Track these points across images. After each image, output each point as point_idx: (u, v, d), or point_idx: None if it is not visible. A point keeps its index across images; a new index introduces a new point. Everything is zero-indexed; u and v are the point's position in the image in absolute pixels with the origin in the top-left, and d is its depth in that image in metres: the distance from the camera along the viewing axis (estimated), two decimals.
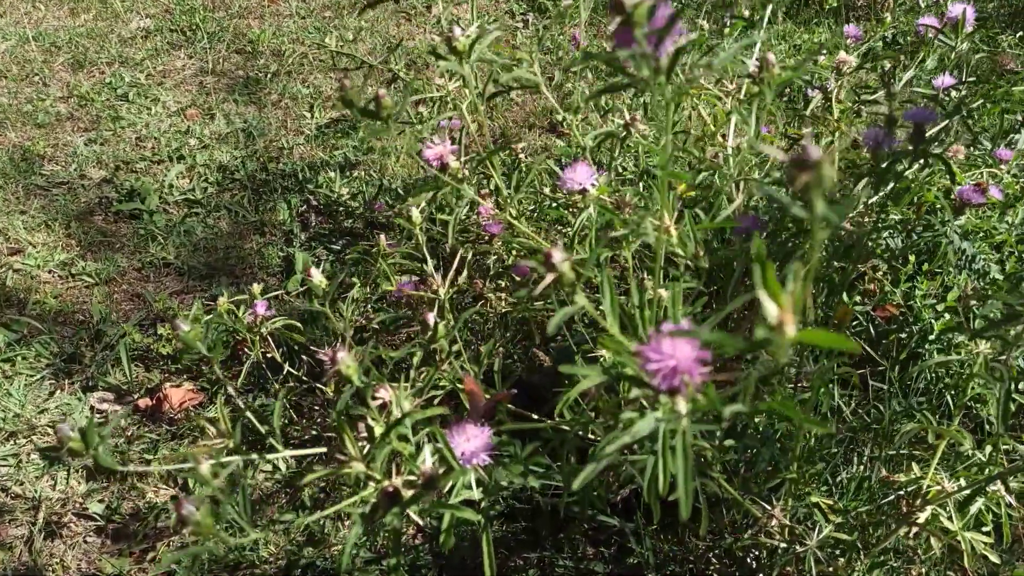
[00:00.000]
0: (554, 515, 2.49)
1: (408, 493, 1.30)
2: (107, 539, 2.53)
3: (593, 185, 1.96)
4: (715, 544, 2.29)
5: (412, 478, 1.28)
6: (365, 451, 1.49)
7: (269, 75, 4.64)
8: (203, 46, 4.85)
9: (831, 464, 2.27)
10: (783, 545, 2.05)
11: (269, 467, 2.70)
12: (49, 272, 3.37)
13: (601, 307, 1.27)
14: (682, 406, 0.95)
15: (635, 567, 2.32)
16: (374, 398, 1.57)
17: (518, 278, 2.67)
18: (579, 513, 2.43)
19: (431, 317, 1.65)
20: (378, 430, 1.48)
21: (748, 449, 2.27)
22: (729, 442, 2.12)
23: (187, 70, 4.69)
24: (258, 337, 2.49)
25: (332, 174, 3.81)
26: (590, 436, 2.14)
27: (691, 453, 1.08)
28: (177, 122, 4.26)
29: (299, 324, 2.43)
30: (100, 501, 2.60)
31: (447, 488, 1.54)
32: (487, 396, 1.52)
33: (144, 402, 2.87)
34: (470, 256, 3.05)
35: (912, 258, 2.68)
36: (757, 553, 2.22)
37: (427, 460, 1.31)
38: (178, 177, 3.87)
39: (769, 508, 2.08)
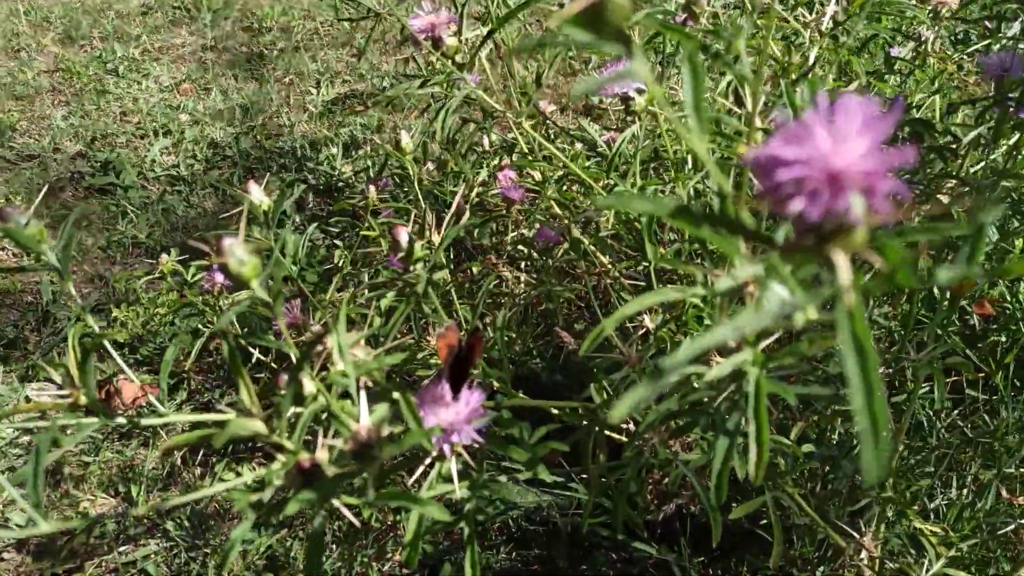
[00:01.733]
0: (575, 539, 1.98)
1: (333, 471, 0.82)
2: (27, 556, 2.05)
3: (640, 91, 1.48)
4: None
5: (339, 444, 0.79)
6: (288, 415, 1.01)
7: (276, 51, 4.23)
8: (206, 22, 4.45)
9: (929, 484, 1.74)
10: None
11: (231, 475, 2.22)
12: (2, 249, 2.94)
13: None
14: (842, 261, 0.46)
15: None
16: (312, 343, 1.09)
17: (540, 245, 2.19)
18: (607, 537, 1.92)
19: (403, 232, 1.17)
20: (309, 386, 1.00)
21: (826, 461, 1.76)
22: (807, 447, 1.61)
23: (187, 47, 4.28)
24: (217, 311, 2.03)
25: (335, 151, 3.36)
26: (629, 426, 1.64)
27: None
28: (168, 97, 3.85)
29: (268, 299, 1.96)
30: (23, 511, 2.13)
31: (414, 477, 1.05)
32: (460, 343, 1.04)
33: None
34: (486, 237, 2.57)
35: (1020, 243, 2.17)
36: None
37: (362, 415, 0.83)
38: (162, 153, 3.44)
39: (857, 536, 1.56)
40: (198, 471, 2.21)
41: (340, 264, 2.21)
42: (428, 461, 1.05)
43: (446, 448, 1.01)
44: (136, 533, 2.06)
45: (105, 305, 2.70)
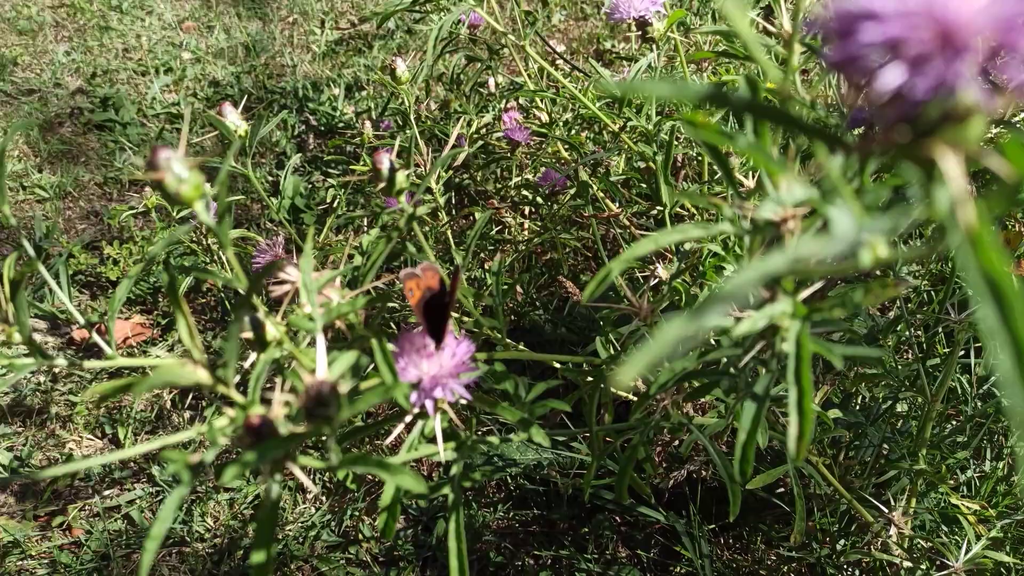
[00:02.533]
0: (576, 500, 1.87)
1: (292, 429, 0.71)
2: (10, 497, 1.97)
3: (660, 13, 1.34)
4: (796, 557, 1.66)
5: (295, 398, 0.68)
6: (249, 363, 0.89)
7: None
8: None
9: (964, 456, 1.62)
10: (907, 564, 1.42)
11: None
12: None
13: None
14: (953, 164, 0.33)
15: None
16: (276, 280, 0.98)
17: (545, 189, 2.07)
18: (611, 500, 1.81)
19: (384, 158, 1.04)
20: (272, 330, 0.88)
21: (851, 428, 1.64)
22: (833, 412, 1.50)
23: None
24: (208, 251, 1.92)
25: (337, 92, 3.22)
26: (637, 384, 1.52)
27: None
28: (171, 35, 3.71)
29: (257, 237, 1.85)
30: (8, 449, 2.05)
31: (391, 438, 0.94)
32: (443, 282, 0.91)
33: (81, 334, 2.31)
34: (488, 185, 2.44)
35: None
36: (857, 572, 1.59)
37: (319, 366, 0.71)
38: (163, 90, 3.31)
39: (885, 511, 1.45)
40: (187, 415, 2.11)
41: (335, 204, 2.10)
42: (409, 419, 0.94)
43: (428, 406, 0.90)
44: (121, 477, 1.98)
45: (99, 242, 2.59)
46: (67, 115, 3.20)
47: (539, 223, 2.24)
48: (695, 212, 1.52)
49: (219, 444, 0.74)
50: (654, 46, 1.39)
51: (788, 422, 0.66)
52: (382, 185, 1.05)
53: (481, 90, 2.61)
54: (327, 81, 3.33)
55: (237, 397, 0.75)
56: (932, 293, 1.94)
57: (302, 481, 0.74)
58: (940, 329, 1.71)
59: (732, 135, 0.60)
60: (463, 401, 0.94)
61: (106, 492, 1.96)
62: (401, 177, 1.05)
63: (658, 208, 1.44)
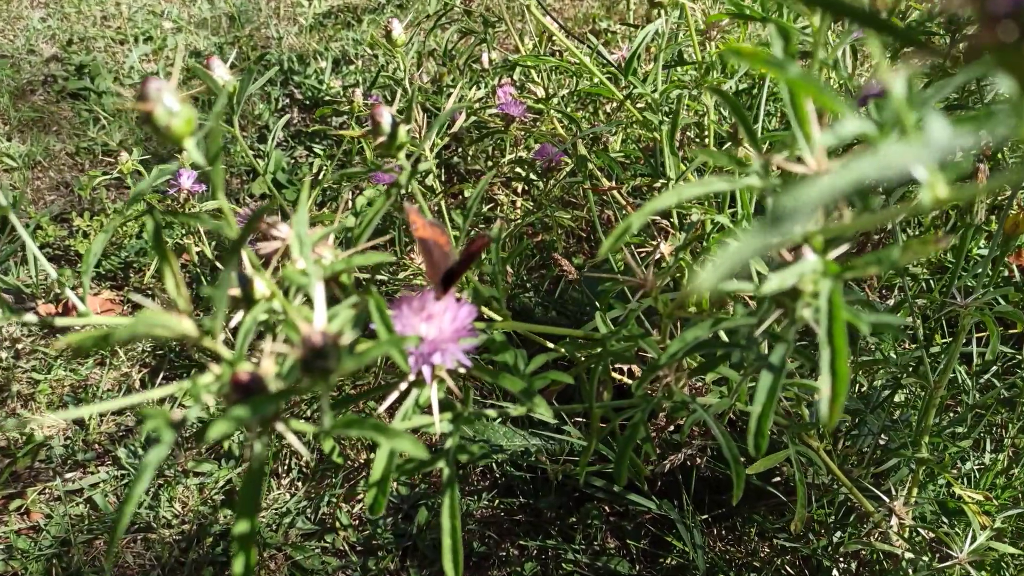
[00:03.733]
0: (564, 488, 1.81)
1: (280, 385, 0.64)
2: None
3: None
4: (791, 548, 1.60)
5: (286, 349, 0.60)
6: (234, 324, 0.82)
7: None
8: None
9: (966, 446, 1.57)
10: (908, 555, 1.36)
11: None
12: None
13: None
14: None
15: (674, 571, 1.64)
16: (265, 237, 0.91)
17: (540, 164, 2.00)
18: (600, 488, 1.75)
19: (385, 112, 0.97)
20: (262, 287, 0.81)
21: (850, 415, 1.58)
22: None
23: None
24: (187, 224, 1.84)
25: (324, 65, 3.14)
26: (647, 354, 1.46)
27: None
28: (152, 3, 3.60)
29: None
30: None
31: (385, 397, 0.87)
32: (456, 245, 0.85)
33: (47, 309, 2.21)
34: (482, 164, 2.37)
35: None
36: (854, 565, 1.54)
37: (318, 317, 0.64)
38: (141, 60, 3.22)
39: (887, 500, 1.39)
40: (157, 394, 2.03)
41: (321, 176, 2.02)
42: (404, 387, 0.87)
43: (426, 372, 0.83)
44: (85, 459, 1.89)
45: (68, 213, 2.50)
46: (40, 82, 3.09)
47: (532, 202, 2.17)
48: None
49: (202, 401, 0.67)
50: (662, 11, 1.32)
51: (820, 385, 0.59)
52: (382, 140, 0.98)
53: (475, 65, 2.53)
54: (314, 54, 3.24)
55: (224, 352, 0.68)
56: (931, 282, 1.90)
57: (294, 445, 0.67)
58: (942, 318, 1.66)
59: (781, 62, 0.54)
60: (461, 370, 0.87)
61: (68, 475, 1.87)
62: (402, 132, 0.98)
63: (661, 182, 1.38)
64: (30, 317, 0.86)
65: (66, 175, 2.67)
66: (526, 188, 2.23)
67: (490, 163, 2.28)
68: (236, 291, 0.82)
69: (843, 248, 0.74)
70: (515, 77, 2.34)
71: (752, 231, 0.31)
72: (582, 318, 2.06)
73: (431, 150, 1.29)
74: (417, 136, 1.35)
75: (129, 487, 0.62)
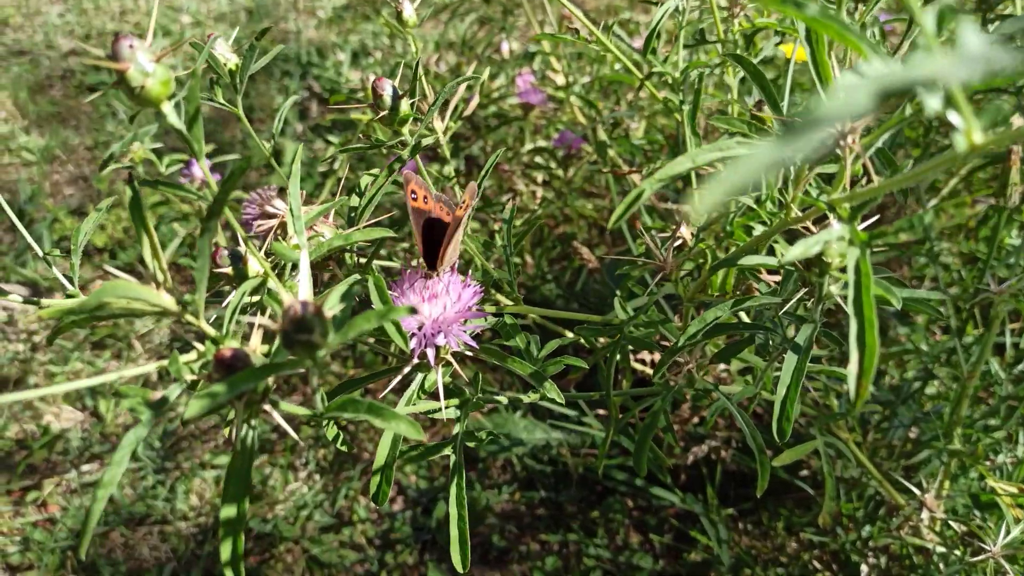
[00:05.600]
0: (586, 482, 1.76)
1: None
2: None
3: None
4: (819, 543, 1.55)
5: (271, 323, 0.56)
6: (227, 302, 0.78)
7: None
8: None
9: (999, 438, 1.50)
10: (939, 548, 1.30)
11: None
12: None
13: None
14: None
15: (698, 566, 1.59)
16: (262, 215, 0.87)
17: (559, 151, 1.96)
18: (623, 482, 1.70)
19: (387, 84, 0.93)
20: (255, 265, 0.77)
21: (881, 407, 1.53)
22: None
23: None
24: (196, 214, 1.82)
25: (343, 58, 3.11)
26: (654, 356, 1.41)
27: None
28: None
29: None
30: None
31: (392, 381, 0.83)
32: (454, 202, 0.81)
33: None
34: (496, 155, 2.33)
35: None
36: (884, 559, 1.48)
37: (302, 287, 0.60)
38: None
39: (918, 492, 1.34)
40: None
41: (336, 166, 1.99)
42: (407, 370, 0.83)
43: (429, 354, 0.79)
44: (101, 451, 1.87)
45: (86, 207, 2.48)
46: (58, 77, 3.09)
47: (552, 192, 2.13)
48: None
49: (184, 380, 0.63)
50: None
51: (849, 358, 0.55)
52: (383, 114, 0.94)
53: (495, 56, 2.50)
54: (332, 47, 3.22)
55: (208, 329, 0.64)
56: (963, 273, 1.83)
57: (283, 428, 0.64)
58: (975, 307, 1.60)
59: (800, 2, 0.49)
60: (468, 354, 0.83)
61: (84, 467, 1.85)
62: (404, 105, 0.94)
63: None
64: (15, 297, 0.82)
65: (84, 169, 2.65)
66: (547, 179, 2.18)
67: (510, 153, 2.23)
68: (228, 269, 0.78)
69: (870, 221, 0.69)
70: (535, 68, 2.30)
71: (764, 144, 0.26)
72: (604, 309, 2.01)
73: (445, 133, 1.25)
74: (426, 116, 1.31)
75: (106, 470, 0.59)
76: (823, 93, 0.63)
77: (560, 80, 2.12)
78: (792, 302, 0.79)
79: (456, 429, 0.85)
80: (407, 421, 0.61)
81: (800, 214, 0.72)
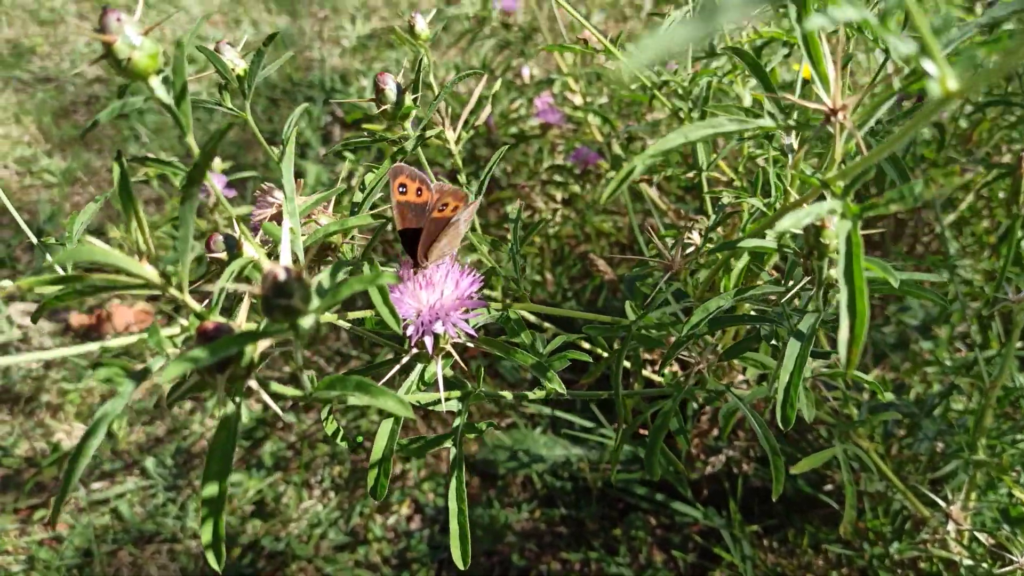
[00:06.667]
0: (607, 498, 1.73)
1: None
2: None
3: None
4: (846, 559, 1.50)
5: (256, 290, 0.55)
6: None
7: None
8: None
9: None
10: (967, 561, 1.26)
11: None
12: (5, 167, 2.75)
13: None
14: None
15: None
16: (261, 204, 0.86)
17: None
18: (644, 497, 1.66)
19: (389, 79, 0.92)
20: (250, 250, 0.76)
21: (906, 418, 1.49)
22: (888, 396, 1.35)
23: None
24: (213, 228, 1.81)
25: (366, 84, 3.13)
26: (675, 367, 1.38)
27: None
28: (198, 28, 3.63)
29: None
30: None
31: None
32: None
33: (79, 320, 2.20)
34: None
35: None
36: (911, 574, 1.43)
37: (283, 254, 0.58)
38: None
39: (944, 504, 1.29)
40: (188, 405, 2.00)
41: (352, 182, 1.98)
42: (405, 360, 0.81)
43: (428, 342, 0.77)
44: (112, 469, 1.85)
45: (106, 227, 2.50)
46: (83, 103, 3.13)
47: (571, 209, 2.12)
48: (733, 177, 1.38)
49: (166, 352, 0.62)
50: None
51: (840, 329, 0.52)
52: (386, 108, 0.93)
53: (515, 81, 2.50)
54: (356, 74, 3.24)
55: (192, 304, 0.62)
56: (985, 289, 1.80)
57: (270, 405, 0.62)
58: (996, 317, 1.56)
59: None
60: (470, 345, 0.81)
61: (94, 485, 1.84)
62: (407, 99, 0.93)
63: (693, 173, 1.31)
64: (5, 283, 0.82)
65: (105, 190, 2.67)
66: (566, 197, 2.17)
67: (531, 172, 2.23)
68: (223, 255, 0.77)
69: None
70: (555, 91, 2.30)
71: (685, 22, 0.25)
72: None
73: (457, 142, 1.24)
74: (443, 128, 1.29)
75: (84, 439, 0.57)
76: (818, 83, 0.61)
77: (578, 100, 2.11)
78: (795, 290, 0.77)
79: (457, 422, 0.83)
80: (395, 397, 0.59)
81: (798, 197, 0.70)
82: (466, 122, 1.25)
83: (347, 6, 3.79)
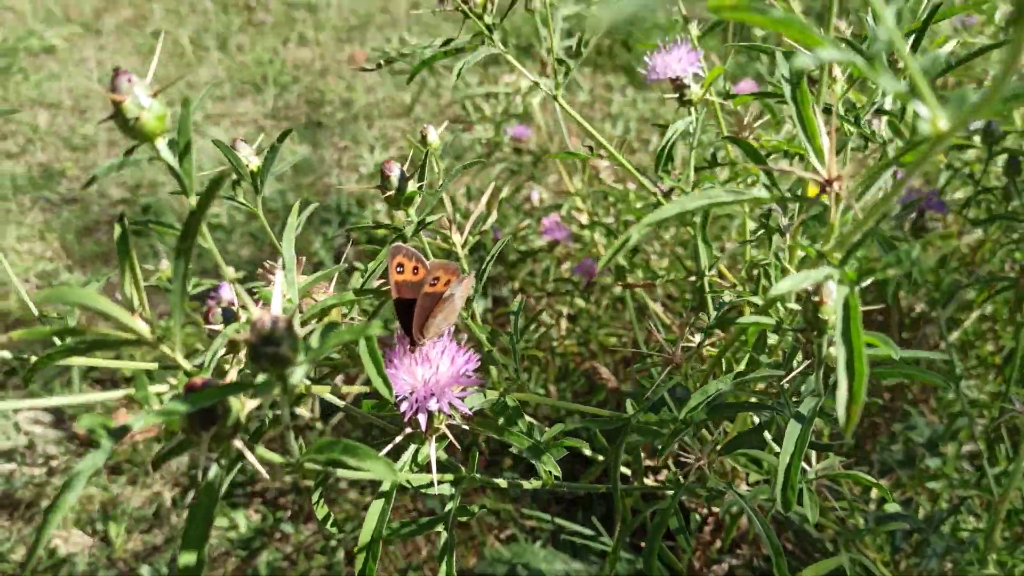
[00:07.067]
0: None
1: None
2: None
3: (697, 75, 1.26)
4: None
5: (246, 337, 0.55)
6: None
7: (335, 121, 4.15)
8: (271, 95, 4.41)
9: None
10: None
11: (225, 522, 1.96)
12: (26, 281, 2.80)
13: None
14: None
15: None
16: (267, 280, 0.88)
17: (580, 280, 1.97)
18: None
19: (394, 167, 0.95)
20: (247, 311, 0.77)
21: (913, 533, 1.45)
22: (891, 506, 1.33)
23: (248, 115, 4.23)
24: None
25: (380, 207, 3.21)
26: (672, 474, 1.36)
27: None
28: (220, 155, 3.76)
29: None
30: None
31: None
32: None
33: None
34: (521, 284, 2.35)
35: None
36: None
37: (274, 303, 0.59)
38: None
39: None
40: (187, 513, 1.97)
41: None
42: (399, 439, 0.81)
43: (422, 420, 0.77)
44: None
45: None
46: (106, 222, 3.21)
47: (576, 325, 2.13)
48: (735, 283, 1.40)
49: (151, 408, 0.62)
50: (691, 109, 1.31)
51: (839, 388, 0.53)
52: (390, 194, 0.96)
53: (524, 205, 2.57)
54: (372, 198, 3.32)
55: (183, 361, 0.63)
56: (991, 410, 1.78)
57: (254, 465, 0.61)
58: (1004, 434, 1.54)
59: (763, 8, 0.50)
60: (464, 427, 0.81)
61: None
62: (411, 185, 0.96)
63: (694, 277, 1.33)
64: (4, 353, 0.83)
65: (121, 304, 2.72)
66: (571, 313, 2.19)
67: (538, 285, 2.26)
68: (220, 326, 0.78)
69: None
70: (562, 214, 2.36)
71: None
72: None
73: (464, 246, 1.26)
74: (450, 232, 1.32)
75: (59, 495, 0.57)
76: (808, 148, 0.63)
77: (584, 219, 2.16)
78: (795, 372, 0.77)
79: (449, 506, 0.82)
80: (382, 461, 0.59)
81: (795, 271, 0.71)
82: (473, 227, 1.28)
83: (367, 137, 3.92)
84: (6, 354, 0.85)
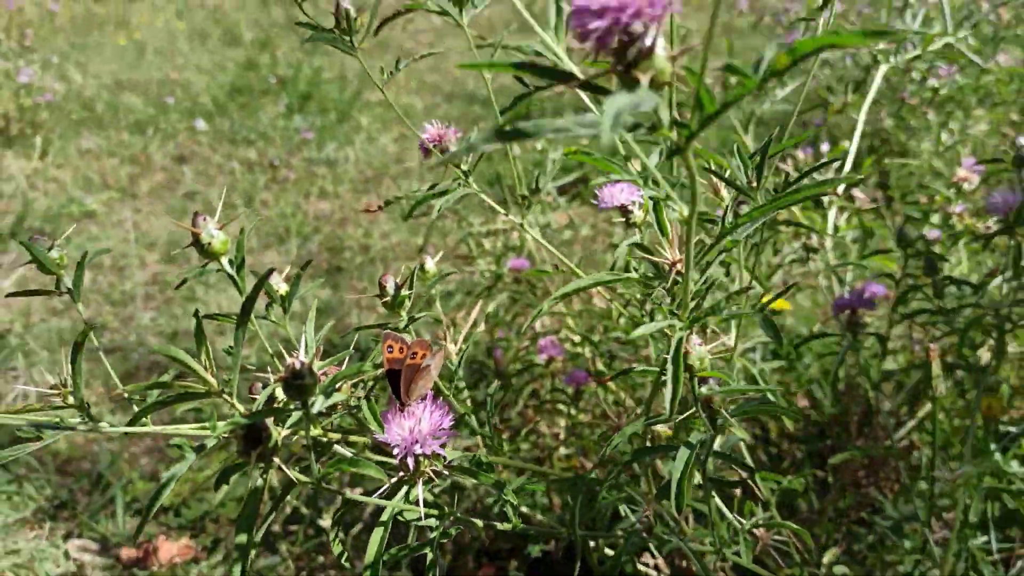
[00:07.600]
0: None
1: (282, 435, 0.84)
2: None
3: (638, 203, 1.55)
4: None
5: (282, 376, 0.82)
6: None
7: (353, 265, 4.50)
8: (295, 244, 4.78)
9: None
10: None
11: None
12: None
13: None
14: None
15: None
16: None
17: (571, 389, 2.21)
18: None
19: (389, 278, 1.23)
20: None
21: None
22: (839, 569, 1.53)
23: (274, 264, 4.58)
24: None
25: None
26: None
27: None
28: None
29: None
30: None
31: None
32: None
33: (128, 553, 2.42)
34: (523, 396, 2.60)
35: None
36: None
37: (301, 351, 0.86)
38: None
39: None
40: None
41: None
42: (394, 480, 1.05)
43: (410, 461, 1.02)
44: None
45: (160, 472, 2.76)
46: (145, 368, 3.49)
47: (572, 436, 2.36)
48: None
49: (218, 435, 0.87)
50: (636, 230, 1.59)
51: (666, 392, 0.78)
52: (387, 299, 1.24)
53: (526, 333, 2.84)
54: None
55: (238, 405, 0.89)
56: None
57: (288, 473, 0.86)
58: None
59: (590, 152, 0.78)
60: (445, 472, 1.05)
61: None
62: (404, 294, 1.23)
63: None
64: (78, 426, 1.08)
65: (160, 442, 2.96)
66: (569, 425, 2.43)
67: (534, 400, 2.50)
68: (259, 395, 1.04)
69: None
70: (560, 336, 2.62)
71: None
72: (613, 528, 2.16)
73: (458, 355, 1.52)
74: (445, 342, 1.58)
75: (159, 488, 0.82)
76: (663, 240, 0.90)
77: (576, 339, 2.43)
78: (686, 415, 1.02)
79: (434, 534, 1.06)
80: (373, 467, 0.84)
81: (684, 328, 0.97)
82: (465, 339, 1.55)
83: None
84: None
